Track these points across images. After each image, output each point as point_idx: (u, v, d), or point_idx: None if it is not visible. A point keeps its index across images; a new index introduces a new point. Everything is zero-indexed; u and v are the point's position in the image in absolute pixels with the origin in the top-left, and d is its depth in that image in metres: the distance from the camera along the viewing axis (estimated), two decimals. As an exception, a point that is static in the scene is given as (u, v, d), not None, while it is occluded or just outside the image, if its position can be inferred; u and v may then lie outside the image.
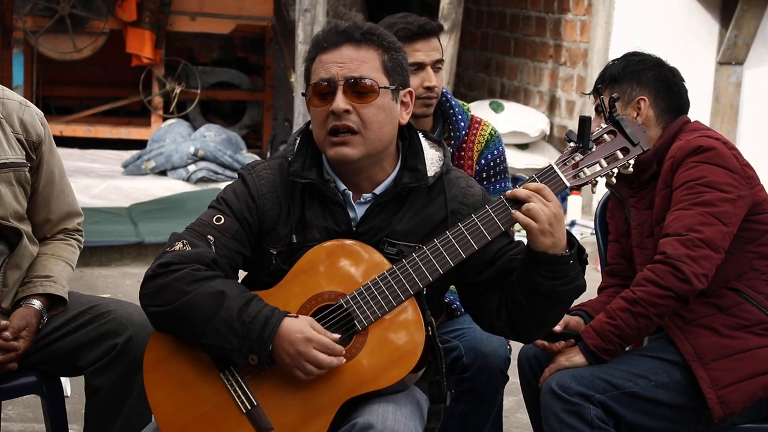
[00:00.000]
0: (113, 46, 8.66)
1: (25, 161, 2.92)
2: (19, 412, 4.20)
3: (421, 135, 2.62)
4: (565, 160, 2.47)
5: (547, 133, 8.26)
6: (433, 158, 2.59)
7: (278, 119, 9.56)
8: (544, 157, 7.95)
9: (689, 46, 7.34)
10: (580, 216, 7.57)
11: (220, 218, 2.52)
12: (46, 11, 8.40)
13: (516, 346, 3.13)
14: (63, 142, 8.40)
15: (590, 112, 2.81)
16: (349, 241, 2.49)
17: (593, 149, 2.46)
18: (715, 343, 2.91)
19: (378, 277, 2.44)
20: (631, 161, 2.48)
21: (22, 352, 2.84)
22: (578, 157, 2.46)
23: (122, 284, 6.15)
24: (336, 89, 2.46)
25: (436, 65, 3.19)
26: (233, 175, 7.23)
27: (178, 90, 8.79)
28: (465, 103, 3.41)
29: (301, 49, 7.20)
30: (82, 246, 3.14)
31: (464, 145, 3.30)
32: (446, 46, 7.25)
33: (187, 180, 7.74)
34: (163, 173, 7.90)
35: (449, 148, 3.18)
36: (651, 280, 2.85)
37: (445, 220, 2.54)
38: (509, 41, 9.34)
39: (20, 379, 2.91)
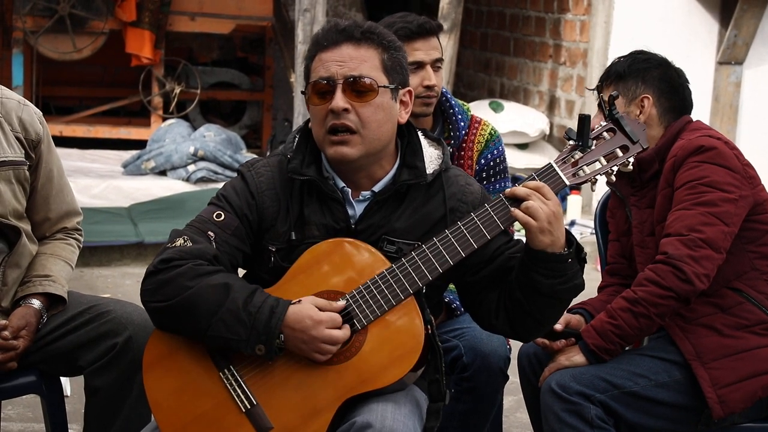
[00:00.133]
0: (113, 46, 8.66)
1: (24, 160, 2.93)
2: (19, 411, 4.20)
3: (420, 133, 2.62)
4: (564, 158, 2.47)
5: (547, 132, 8.26)
6: (432, 156, 2.59)
7: (278, 119, 9.56)
8: (544, 157, 7.95)
9: (689, 46, 7.33)
10: (579, 215, 7.57)
11: (221, 215, 2.52)
12: (45, 11, 8.40)
13: (516, 345, 3.12)
14: (63, 142, 8.41)
15: (589, 111, 2.80)
16: (348, 240, 2.49)
17: (593, 147, 2.46)
18: (715, 343, 2.91)
19: (377, 275, 2.44)
20: (631, 159, 2.48)
21: (21, 352, 2.84)
22: (578, 155, 2.46)
23: (122, 284, 6.14)
24: (335, 88, 2.46)
25: (436, 64, 3.19)
26: (233, 175, 7.17)
27: (177, 90, 8.79)
28: (465, 103, 3.41)
29: (301, 49, 7.20)
30: (81, 245, 3.14)
31: (464, 144, 3.31)
32: (446, 45, 7.25)
33: (187, 180, 7.74)
34: (162, 173, 7.90)
35: (449, 147, 3.18)
36: (652, 280, 2.85)
37: (444, 217, 2.54)
38: (509, 41, 9.34)
39: (20, 378, 2.91)
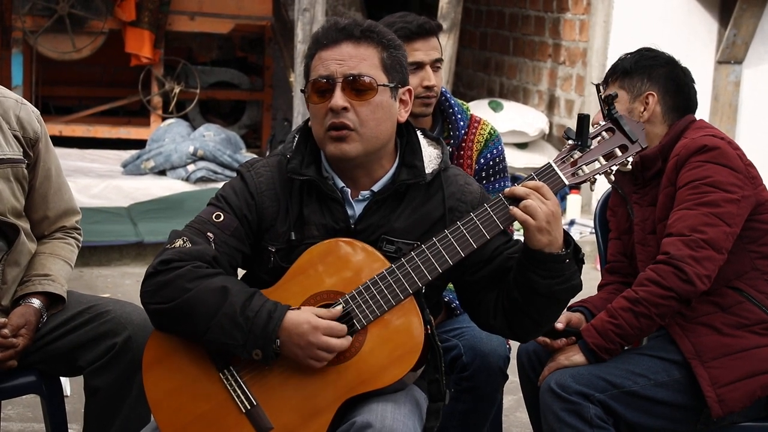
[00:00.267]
0: (112, 45, 8.65)
1: (22, 158, 2.93)
2: (19, 411, 4.20)
3: (419, 133, 2.62)
4: (563, 158, 2.47)
5: (546, 132, 8.25)
6: (431, 156, 2.59)
7: (277, 119, 9.56)
8: (544, 157, 7.95)
9: (688, 45, 7.33)
10: (579, 215, 7.57)
11: (220, 215, 2.52)
12: (45, 11, 8.40)
13: (515, 344, 3.12)
14: (62, 141, 8.41)
15: (588, 111, 2.80)
16: (347, 240, 2.49)
17: (592, 147, 2.46)
18: (715, 342, 2.91)
19: (377, 276, 2.44)
20: (630, 159, 2.48)
21: (20, 350, 2.84)
22: (577, 154, 2.46)
23: (122, 284, 6.14)
24: (335, 86, 2.46)
25: (435, 64, 3.19)
26: (232, 174, 7.17)
27: (177, 90, 8.79)
28: (464, 103, 3.41)
29: (300, 48, 7.20)
30: (80, 245, 3.14)
31: (464, 144, 3.31)
32: (445, 45, 7.25)
33: (187, 180, 7.74)
34: (162, 173, 7.90)
35: (449, 147, 3.18)
36: (653, 281, 2.85)
37: (443, 217, 2.54)
38: (508, 40, 9.34)
39: (20, 378, 2.91)
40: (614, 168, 2.47)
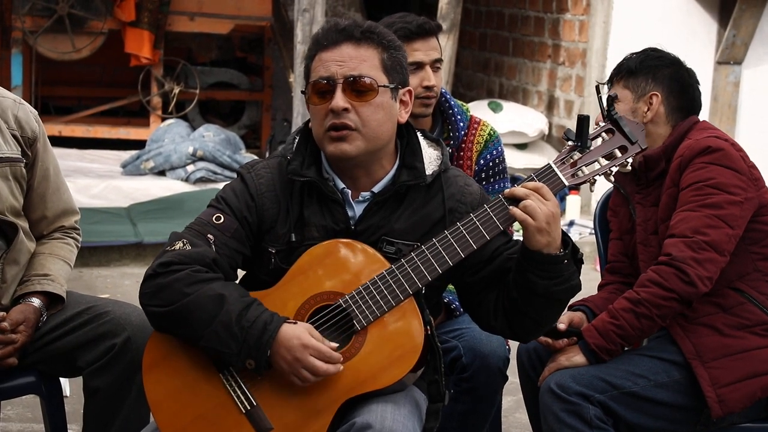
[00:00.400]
0: (112, 46, 8.65)
1: (20, 157, 2.93)
2: (18, 412, 4.20)
3: (419, 134, 2.62)
4: (563, 158, 2.47)
5: (546, 133, 8.26)
6: (431, 157, 2.59)
7: (277, 119, 9.56)
8: (543, 157, 7.95)
9: (688, 46, 7.32)
10: (578, 216, 7.57)
11: (220, 217, 2.52)
12: (44, 11, 8.40)
13: (515, 345, 3.13)
14: (62, 142, 8.41)
15: (588, 112, 2.80)
16: (347, 241, 2.49)
17: (591, 148, 2.47)
18: (716, 342, 2.91)
19: (377, 276, 2.44)
20: (629, 160, 2.48)
21: (19, 346, 2.83)
22: (576, 155, 2.46)
23: (121, 284, 6.14)
24: (335, 87, 2.46)
25: (435, 65, 3.19)
26: (232, 175, 7.23)
27: (176, 90, 8.79)
28: (464, 104, 3.41)
29: (300, 49, 7.20)
30: (79, 245, 3.15)
31: (463, 145, 3.31)
32: (445, 46, 7.25)
33: (186, 180, 7.74)
34: (161, 173, 7.90)
35: (448, 148, 3.18)
36: (655, 282, 2.86)
37: (443, 218, 2.54)
38: (508, 41, 9.34)
39: (19, 379, 2.91)
40: (614, 169, 2.47)
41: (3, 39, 8.71)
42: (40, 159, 3.01)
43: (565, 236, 2.44)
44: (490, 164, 3.32)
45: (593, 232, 3.45)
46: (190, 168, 7.76)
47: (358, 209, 2.55)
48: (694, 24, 7.50)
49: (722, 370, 2.88)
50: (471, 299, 2.59)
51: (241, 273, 2.62)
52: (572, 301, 2.69)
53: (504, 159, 3.37)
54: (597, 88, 3.06)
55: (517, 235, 2.74)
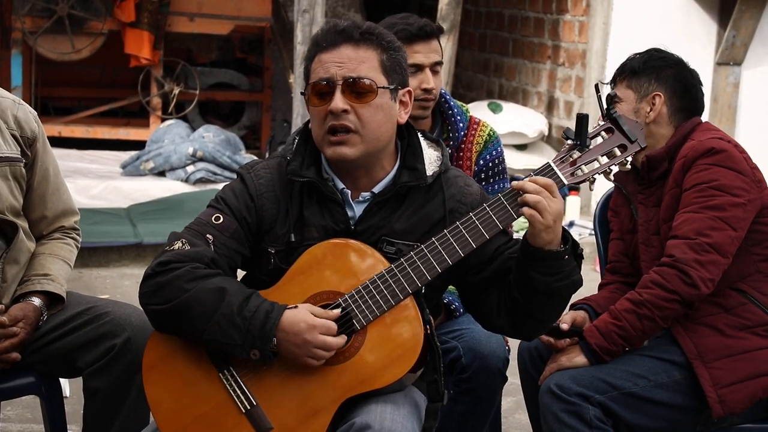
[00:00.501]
0: (112, 46, 8.65)
1: (20, 157, 2.94)
2: (18, 412, 4.20)
3: (419, 134, 2.62)
4: (562, 157, 2.47)
5: (546, 133, 8.26)
6: (431, 158, 2.59)
7: (277, 120, 9.55)
8: (543, 158, 7.95)
9: (687, 47, 7.31)
10: (578, 216, 7.57)
11: (219, 217, 2.52)
12: (44, 12, 8.40)
13: (514, 346, 3.13)
14: (61, 142, 8.40)
15: (587, 112, 2.81)
16: (347, 241, 2.49)
17: (591, 147, 2.47)
18: (717, 343, 2.92)
19: (376, 276, 2.44)
20: (629, 158, 2.49)
21: (18, 341, 2.83)
22: (576, 154, 2.46)
23: (121, 285, 6.14)
24: (335, 89, 2.46)
25: (435, 67, 3.19)
26: (232, 175, 7.23)
27: (176, 91, 8.79)
28: (464, 104, 3.41)
29: (300, 49, 7.20)
30: (79, 245, 3.15)
31: (463, 146, 3.31)
32: (445, 47, 7.24)
33: (186, 181, 7.74)
34: (161, 174, 7.90)
35: (448, 149, 3.18)
36: (658, 283, 2.86)
37: (443, 218, 2.54)
38: (507, 42, 9.34)
39: (19, 379, 2.91)
40: (614, 168, 2.48)
41: (3, 39, 8.72)
42: (40, 159, 3.01)
43: (565, 232, 2.45)
44: (490, 165, 3.33)
45: (593, 232, 3.45)
46: (190, 169, 7.76)
47: (358, 209, 2.55)
48: (693, 25, 7.50)
49: (723, 370, 2.89)
50: (473, 299, 2.59)
51: (240, 274, 2.62)
52: (574, 299, 2.69)
53: (504, 160, 3.38)
54: (596, 87, 3.06)
55: (516, 235, 2.74)
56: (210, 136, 8.03)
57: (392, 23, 3.14)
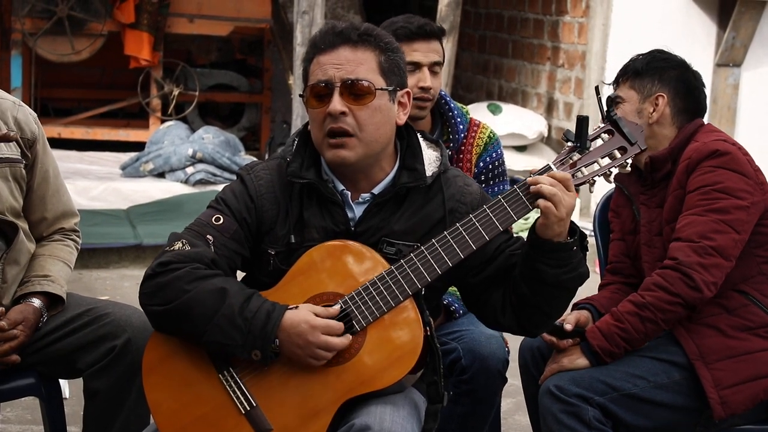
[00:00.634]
0: (111, 48, 8.65)
1: (20, 158, 2.94)
2: (18, 414, 4.20)
3: (418, 135, 2.63)
4: (562, 159, 2.47)
5: (545, 135, 8.26)
6: (430, 158, 2.59)
7: (276, 121, 9.55)
8: (542, 159, 7.95)
9: (687, 48, 7.28)
10: (578, 218, 7.57)
11: (219, 218, 2.52)
12: (44, 13, 8.39)
13: (514, 347, 3.13)
14: (61, 143, 8.40)
15: (587, 114, 2.81)
16: (347, 242, 2.49)
17: (591, 149, 2.47)
18: (719, 344, 2.92)
19: (376, 277, 2.44)
20: (629, 160, 2.49)
21: (17, 344, 2.83)
22: (576, 156, 2.47)
23: (121, 286, 6.14)
24: (333, 91, 2.46)
25: (434, 68, 3.19)
26: (231, 177, 7.23)
27: (176, 92, 8.79)
28: (464, 106, 3.41)
29: (299, 51, 7.20)
30: (79, 247, 3.15)
31: (463, 147, 3.31)
32: (444, 48, 7.25)
33: (186, 182, 7.73)
34: (161, 175, 7.90)
35: (448, 151, 3.18)
36: (661, 286, 2.86)
37: (443, 219, 2.54)
38: (507, 43, 9.35)
39: (18, 380, 2.91)
40: (613, 170, 2.48)
41: (2, 41, 8.71)
42: (40, 161, 3.01)
43: (572, 225, 2.46)
44: (490, 167, 3.33)
45: (593, 233, 3.46)
46: (190, 170, 7.76)
47: (358, 210, 2.55)
48: (693, 26, 7.50)
49: (725, 371, 2.89)
50: (476, 299, 2.60)
51: (240, 275, 2.62)
52: (576, 299, 2.69)
53: (503, 161, 3.38)
54: (597, 89, 3.07)
55: (516, 236, 2.74)
56: (209, 138, 8.03)
57: (394, 21, 3.17)
